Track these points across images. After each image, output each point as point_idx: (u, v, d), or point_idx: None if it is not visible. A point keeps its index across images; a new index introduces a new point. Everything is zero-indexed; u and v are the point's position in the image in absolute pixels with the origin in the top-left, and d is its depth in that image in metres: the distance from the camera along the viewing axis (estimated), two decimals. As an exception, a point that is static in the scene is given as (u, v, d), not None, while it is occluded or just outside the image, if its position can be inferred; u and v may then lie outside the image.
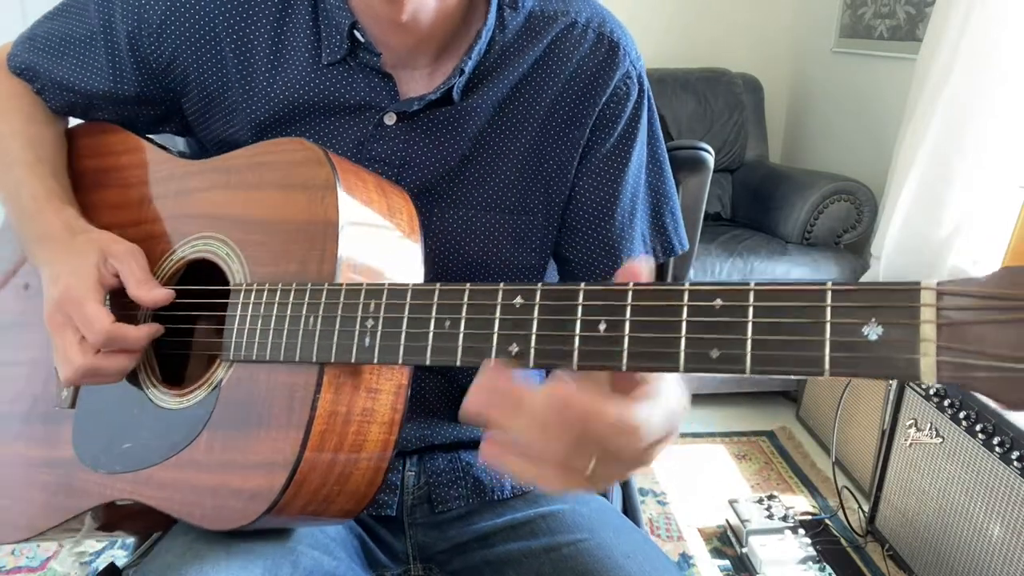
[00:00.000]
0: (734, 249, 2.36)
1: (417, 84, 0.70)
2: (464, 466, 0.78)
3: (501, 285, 0.46)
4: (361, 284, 0.54)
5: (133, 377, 0.67)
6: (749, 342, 0.37)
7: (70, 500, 0.69)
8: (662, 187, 0.78)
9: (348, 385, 0.58)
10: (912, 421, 1.63)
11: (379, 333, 0.52)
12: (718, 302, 0.38)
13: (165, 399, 0.65)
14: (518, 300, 0.46)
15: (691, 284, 0.39)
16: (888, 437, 1.71)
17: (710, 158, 0.86)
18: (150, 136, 0.79)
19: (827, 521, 1.84)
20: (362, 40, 0.67)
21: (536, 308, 0.45)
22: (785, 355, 0.36)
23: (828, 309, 0.35)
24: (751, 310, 0.37)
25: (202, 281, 0.67)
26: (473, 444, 0.79)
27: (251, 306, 0.60)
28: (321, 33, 0.69)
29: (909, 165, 2.04)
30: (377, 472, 0.62)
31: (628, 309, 0.41)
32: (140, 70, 0.72)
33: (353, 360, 0.53)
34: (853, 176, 2.46)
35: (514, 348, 0.45)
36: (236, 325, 0.60)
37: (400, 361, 0.50)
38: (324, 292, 0.55)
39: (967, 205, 1.98)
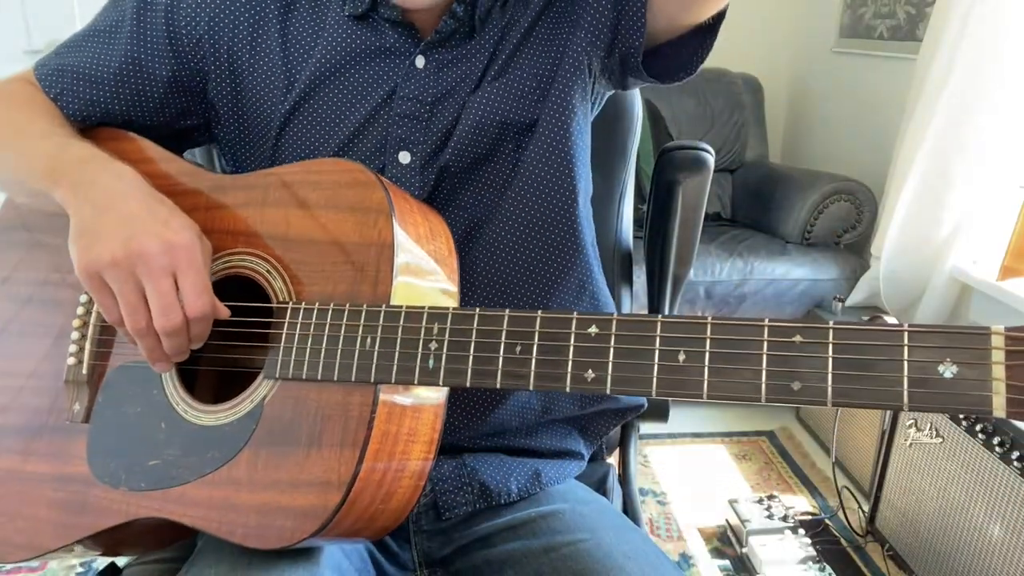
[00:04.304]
0: (734, 249, 2.36)
1: None
2: (470, 471, 0.78)
3: (575, 313, 0.49)
4: (423, 308, 0.55)
5: (160, 390, 0.67)
6: (830, 376, 0.41)
7: (83, 518, 0.67)
8: None
9: (399, 406, 0.59)
10: (912, 421, 1.64)
11: (444, 356, 0.53)
12: (798, 338, 0.42)
13: (199, 415, 0.64)
14: (592, 329, 0.48)
15: (770, 321, 0.43)
16: (888, 437, 1.72)
17: (710, 158, 0.86)
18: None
19: (827, 521, 1.84)
20: None
21: (612, 338, 0.47)
22: (865, 389, 0.40)
23: (905, 348, 0.39)
24: (831, 347, 0.41)
25: (232, 298, 0.67)
26: (478, 449, 0.80)
27: (299, 325, 0.60)
28: None
29: (909, 165, 2.03)
30: (415, 491, 0.63)
31: (708, 342, 0.44)
32: (172, 46, 0.73)
33: (416, 381, 0.54)
34: (853, 176, 2.45)
35: (590, 375, 0.48)
36: (283, 343, 0.61)
37: (468, 384, 0.52)
38: (382, 314, 0.57)
39: (967, 205, 1.98)
